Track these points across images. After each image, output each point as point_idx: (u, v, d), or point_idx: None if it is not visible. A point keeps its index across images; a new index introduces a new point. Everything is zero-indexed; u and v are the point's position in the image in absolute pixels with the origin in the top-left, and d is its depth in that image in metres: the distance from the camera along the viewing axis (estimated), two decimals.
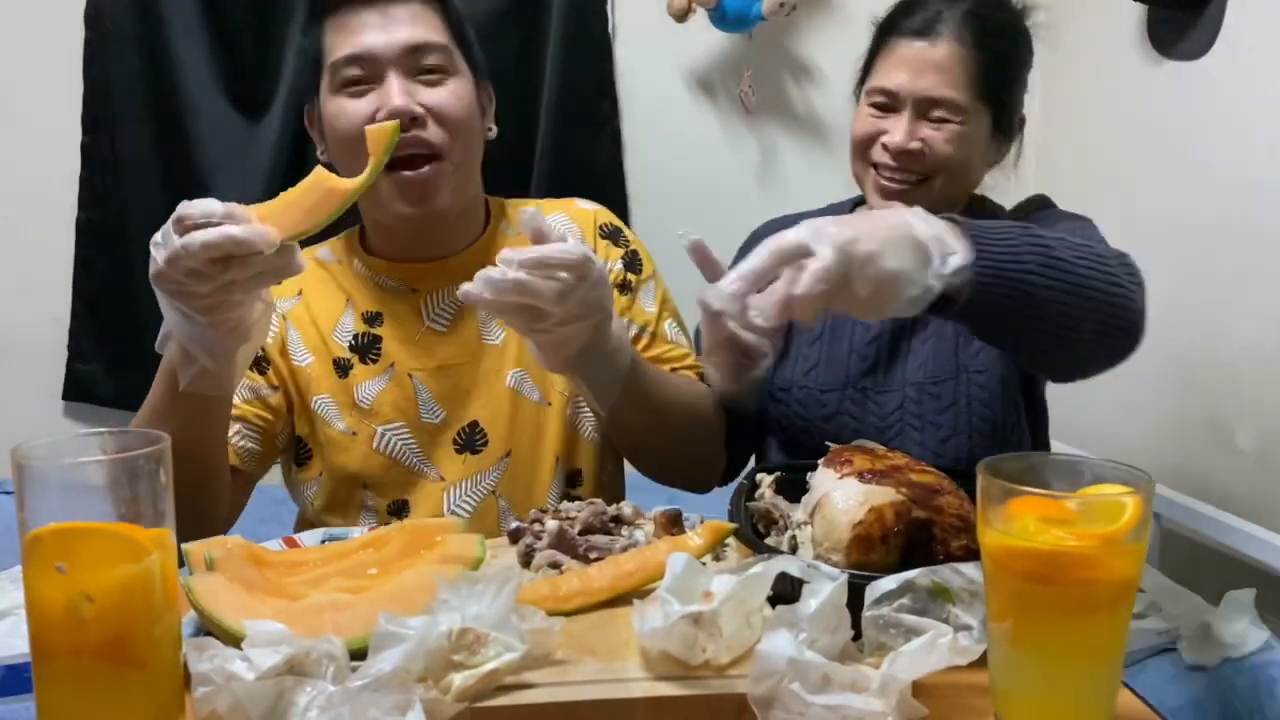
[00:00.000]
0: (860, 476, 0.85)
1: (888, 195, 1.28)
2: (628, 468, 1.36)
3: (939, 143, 1.25)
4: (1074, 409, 2.25)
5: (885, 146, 1.27)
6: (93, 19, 2.17)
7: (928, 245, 0.86)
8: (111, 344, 2.22)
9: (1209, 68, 1.84)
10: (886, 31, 1.31)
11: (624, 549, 0.94)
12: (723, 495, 1.39)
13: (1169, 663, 1.35)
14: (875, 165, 1.29)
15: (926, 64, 1.25)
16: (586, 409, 1.29)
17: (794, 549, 0.88)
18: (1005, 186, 1.39)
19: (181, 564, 0.78)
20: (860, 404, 1.30)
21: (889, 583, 0.74)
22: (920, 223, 0.87)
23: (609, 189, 2.31)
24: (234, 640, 0.72)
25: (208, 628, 0.79)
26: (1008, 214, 1.31)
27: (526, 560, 0.95)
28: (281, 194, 0.98)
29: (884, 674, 0.68)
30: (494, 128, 1.32)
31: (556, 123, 2.25)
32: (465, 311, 1.28)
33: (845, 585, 0.72)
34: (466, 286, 0.97)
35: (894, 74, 1.27)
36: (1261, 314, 1.74)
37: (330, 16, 1.22)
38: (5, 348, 2.26)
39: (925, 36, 1.26)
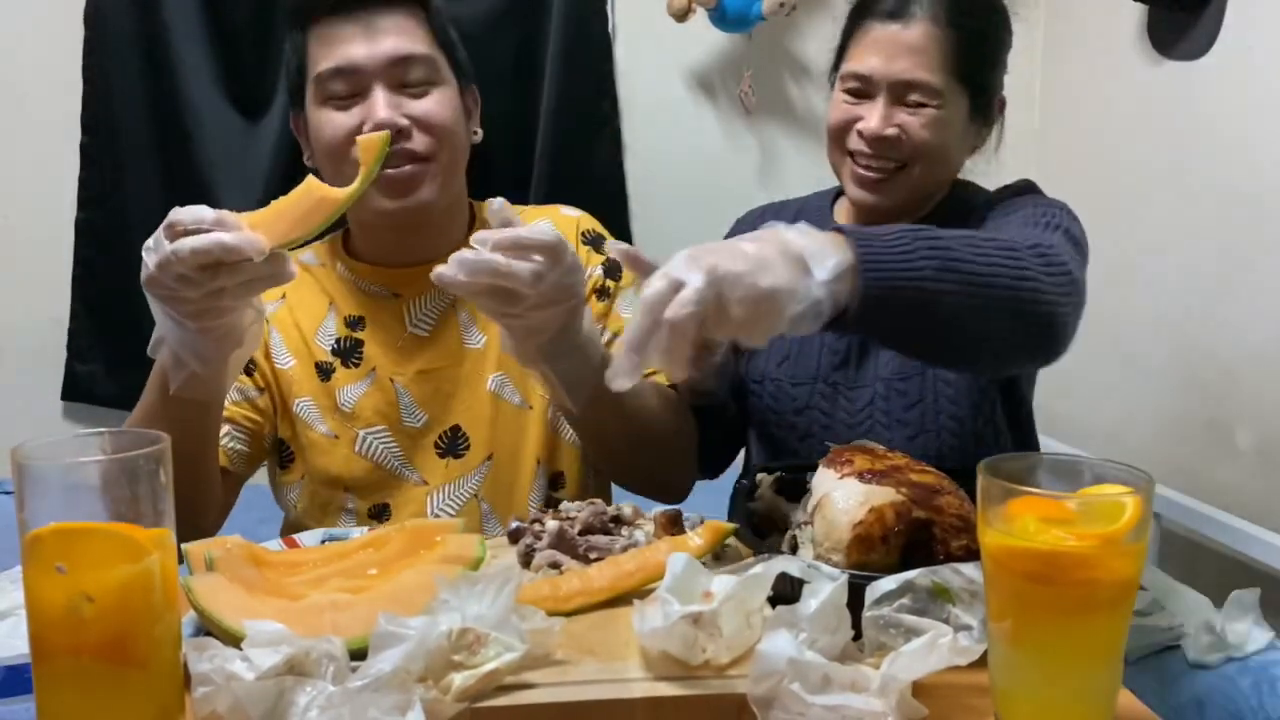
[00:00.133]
0: (860, 476, 0.85)
1: (865, 185, 1.26)
2: None
3: (915, 128, 1.22)
4: (1074, 409, 2.26)
5: (861, 134, 1.24)
6: (93, 19, 2.17)
7: (806, 258, 0.84)
8: (111, 344, 2.22)
9: (1209, 68, 1.84)
10: (859, 14, 1.27)
11: (624, 549, 0.94)
12: (723, 495, 1.40)
13: (1172, 661, 1.35)
14: (852, 154, 1.26)
15: (900, 46, 1.21)
16: None
17: (794, 549, 0.88)
18: (986, 171, 1.36)
19: (180, 561, 0.78)
20: (831, 399, 1.28)
21: (889, 583, 0.74)
22: (798, 236, 0.85)
23: (609, 189, 2.31)
24: (234, 640, 0.72)
25: (208, 628, 0.79)
26: (991, 197, 1.28)
27: (526, 560, 0.95)
28: (273, 202, 0.98)
29: (884, 674, 0.68)
30: (479, 131, 1.32)
31: (556, 123, 2.24)
32: (447, 316, 1.28)
33: (845, 585, 0.72)
34: (440, 269, 0.97)
35: (867, 58, 1.23)
36: (1261, 314, 1.74)
37: (313, 27, 1.22)
38: (5, 348, 2.25)
39: (898, 18, 1.22)
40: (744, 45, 2.29)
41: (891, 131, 1.22)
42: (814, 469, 0.92)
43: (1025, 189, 1.28)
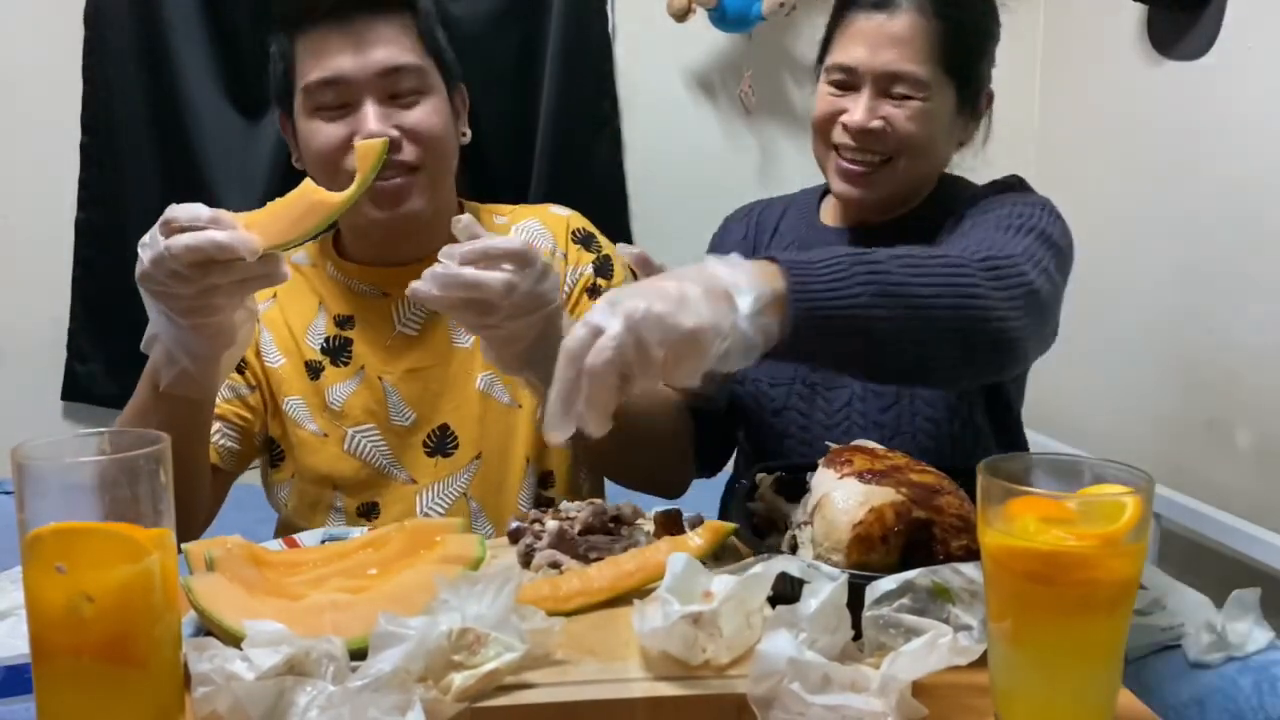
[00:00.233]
0: (860, 476, 0.85)
1: (849, 179, 1.24)
2: None
3: (901, 121, 1.20)
4: (1074, 409, 2.26)
5: (845, 126, 1.22)
6: (93, 19, 2.17)
7: (731, 293, 0.83)
8: (111, 344, 2.22)
9: (1209, 68, 1.84)
10: (844, 4, 1.25)
11: (624, 549, 0.94)
12: (715, 493, 1.40)
13: (1172, 660, 1.35)
14: (836, 147, 1.24)
15: (885, 37, 1.19)
16: None
17: (794, 549, 0.88)
18: (985, 170, 1.35)
19: (195, 532, 0.78)
20: (809, 400, 1.27)
21: (889, 583, 0.74)
22: (725, 270, 0.84)
23: (609, 189, 2.31)
24: (234, 640, 0.72)
25: (208, 628, 0.79)
26: (977, 192, 1.26)
27: (526, 560, 0.95)
28: (270, 203, 0.99)
29: (884, 674, 0.68)
30: (468, 132, 1.31)
31: (556, 123, 2.25)
32: (436, 316, 1.29)
33: (845, 585, 0.71)
34: (414, 284, 0.98)
35: (852, 49, 1.21)
36: (1261, 314, 1.74)
37: (300, 34, 1.21)
38: (5, 347, 2.25)
39: (884, 8, 1.20)
40: (744, 45, 2.29)
41: (876, 124, 1.20)
42: (814, 469, 0.92)
43: (1010, 185, 1.26)
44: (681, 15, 2.17)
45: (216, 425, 1.23)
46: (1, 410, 2.20)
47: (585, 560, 0.93)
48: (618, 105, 2.31)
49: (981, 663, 0.69)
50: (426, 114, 1.22)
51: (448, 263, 0.97)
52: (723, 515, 1.24)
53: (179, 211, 0.96)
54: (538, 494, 1.29)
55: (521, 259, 0.98)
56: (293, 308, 1.29)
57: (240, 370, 1.26)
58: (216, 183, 2.22)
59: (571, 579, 0.87)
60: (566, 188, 2.25)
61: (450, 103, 1.27)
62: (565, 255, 1.33)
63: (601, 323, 0.79)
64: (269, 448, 1.31)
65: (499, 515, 1.26)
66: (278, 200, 0.98)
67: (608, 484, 1.39)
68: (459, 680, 0.69)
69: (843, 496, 0.83)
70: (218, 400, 1.21)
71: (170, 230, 0.95)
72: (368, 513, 1.27)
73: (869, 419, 1.23)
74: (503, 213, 1.38)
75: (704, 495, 1.39)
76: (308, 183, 1.00)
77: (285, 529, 1.31)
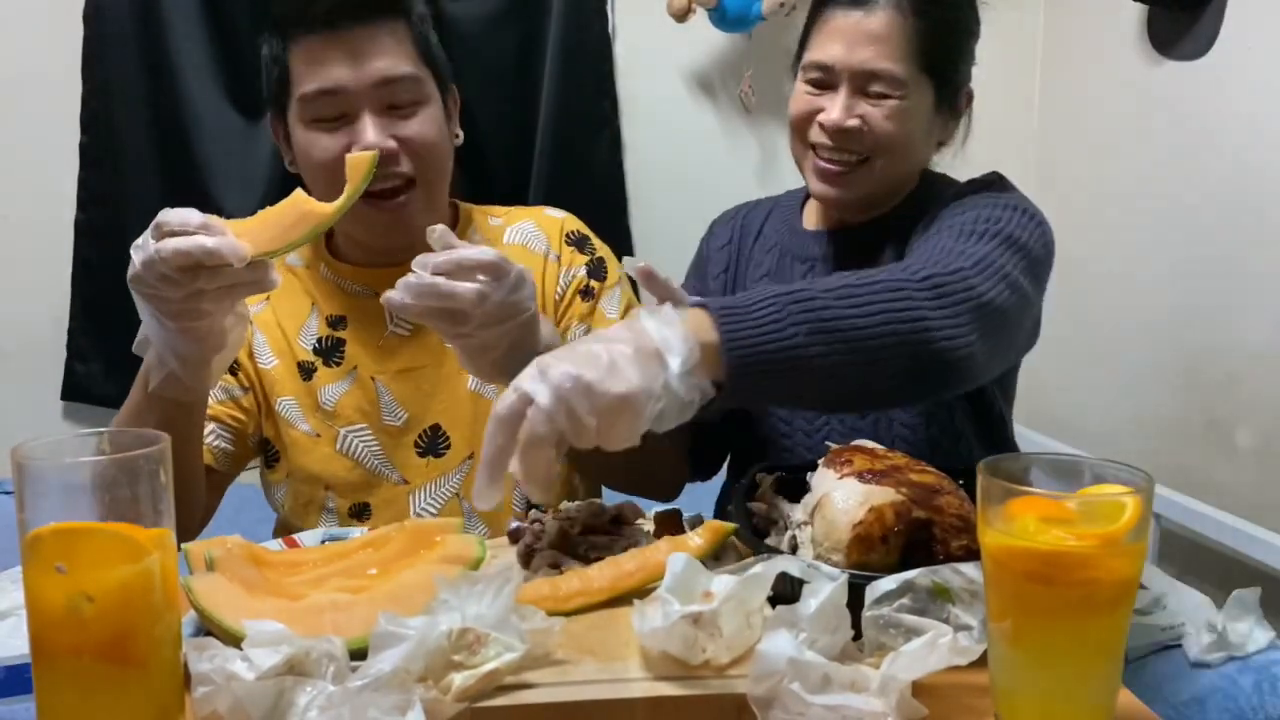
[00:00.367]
0: (860, 476, 0.85)
1: (826, 178, 1.23)
2: None
3: (878, 119, 1.19)
4: (1073, 409, 2.26)
5: (822, 125, 1.21)
6: (92, 19, 2.17)
7: (663, 353, 0.83)
8: (110, 344, 2.22)
9: (1209, 68, 1.85)
10: (822, 2, 1.24)
11: (624, 549, 0.94)
12: (710, 494, 1.40)
13: (1172, 660, 1.35)
14: (814, 146, 1.23)
15: (862, 35, 1.18)
16: None
17: (794, 549, 0.88)
18: (972, 165, 1.33)
19: (191, 534, 0.78)
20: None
21: (889, 583, 0.74)
22: (657, 327, 0.84)
23: (609, 189, 2.31)
24: (234, 640, 0.72)
25: (208, 628, 0.79)
26: (957, 190, 1.24)
27: (526, 560, 0.95)
28: (261, 211, 1.00)
29: (884, 674, 0.68)
30: (460, 134, 1.31)
31: (556, 123, 2.25)
32: None
33: (845, 585, 0.71)
34: (388, 293, 0.98)
35: (828, 47, 1.20)
36: (1261, 314, 1.74)
37: (295, 40, 1.20)
38: (4, 348, 2.26)
39: (861, 5, 1.18)
40: (744, 45, 2.29)
41: (853, 123, 1.19)
42: (814, 469, 0.92)
43: (989, 183, 1.24)
44: (681, 15, 2.17)
45: (210, 427, 1.24)
46: (1, 410, 2.20)
47: (585, 560, 0.93)
48: (618, 105, 2.31)
49: (981, 663, 0.69)
50: (424, 125, 1.22)
51: (421, 272, 0.98)
52: (721, 515, 1.24)
53: (170, 216, 0.97)
54: (562, 473, 1.29)
55: (495, 269, 0.98)
56: (285, 309, 1.30)
57: (233, 372, 1.27)
58: (216, 183, 2.22)
59: (571, 579, 0.87)
60: (566, 188, 2.25)
61: (444, 107, 1.27)
62: (559, 257, 1.33)
63: (531, 391, 0.80)
64: (264, 449, 1.31)
65: (492, 516, 1.27)
66: (269, 209, 0.99)
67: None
68: (459, 680, 0.69)
69: (843, 496, 0.83)
70: (211, 402, 1.22)
71: (161, 234, 0.96)
72: (359, 513, 1.27)
73: (848, 424, 1.23)
74: (497, 214, 1.38)
75: (701, 495, 1.39)
76: (298, 193, 1.01)
77: (283, 529, 1.31)
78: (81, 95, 2.19)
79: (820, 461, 0.91)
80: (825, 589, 0.71)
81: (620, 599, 0.85)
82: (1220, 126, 1.82)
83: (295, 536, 1.04)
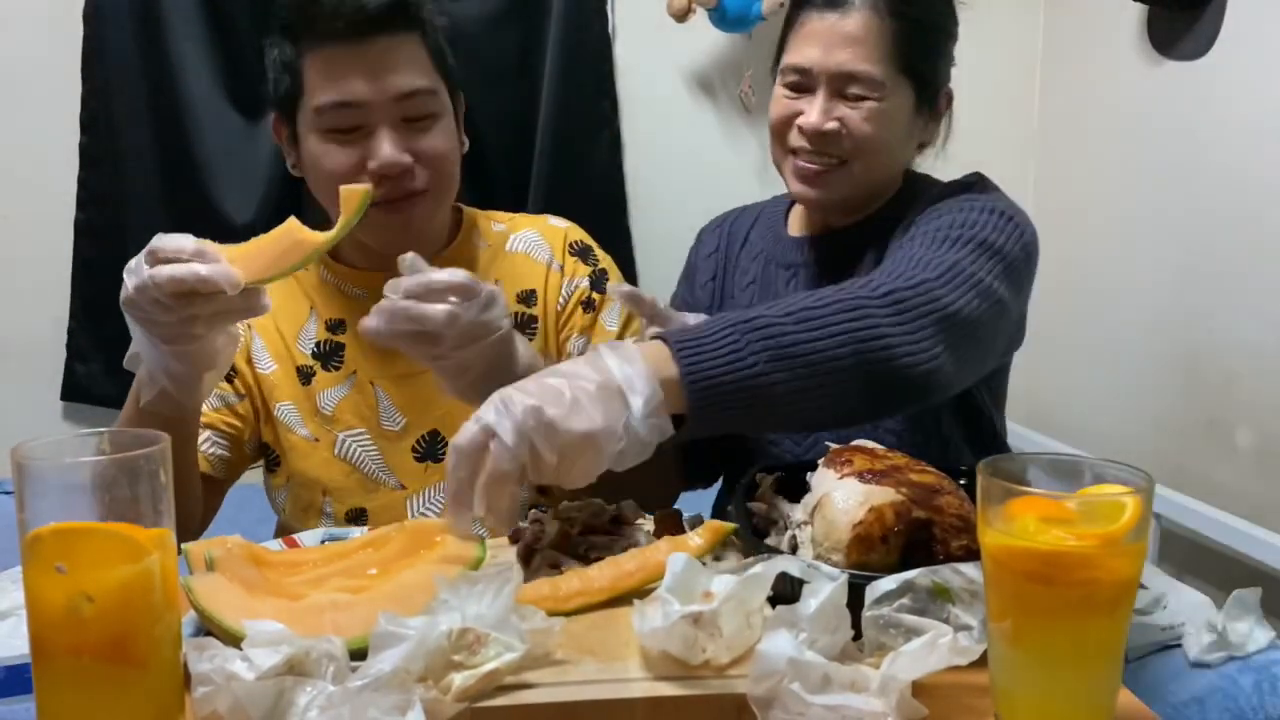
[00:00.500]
0: (860, 476, 0.85)
1: (805, 179, 1.22)
2: None
3: (856, 122, 1.18)
4: (1073, 409, 2.26)
5: (801, 129, 1.20)
6: (92, 19, 2.17)
7: (625, 391, 0.84)
8: (110, 344, 2.22)
9: (1209, 68, 1.85)
10: (798, 5, 1.23)
11: (624, 549, 0.94)
12: (707, 496, 1.39)
13: (1172, 660, 1.35)
14: (794, 150, 1.23)
15: (839, 37, 1.17)
16: None
17: (794, 549, 0.88)
18: (932, 167, 1.33)
19: (187, 539, 0.78)
20: None
21: (889, 583, 0.74)
22: (618, 365, 0.85)
23: (608, 189, 2.31)
24: (234, 640, 0.72)
25: (208, 628, 0.79)
26: (936, 193, 1.22)
27: (526, 560, 0.95)
28: (254, 238, 1.01)
29: (884, 674, 0.68)
30: (466, 140, 1.30)
31: (556, 123, 2.25)
32: None
33: (845, 585, 0.71)
34: (364, 322, 0.99)
35: (806, 49, 1.20)
36: (1261, 314, 1.74)
37: (309, 47, 1.18)
38: (4, 348, 2.26)
39: (837, 7, 1.18)
40: (744, 45, 2.29)
41: (831, 125, 1.18)
42: (814, 469, 0.92)
43: (969, 185, 1.23)
44: (681, 15, 2.17)
45: (206, 434, 1.24)
46: (1, 410, 2.20)
47: (585, 560, 0.93)
48: (618, 105, 2.31)
49: (981, 663, 0.69)
50: (439, 139, 1.22)
51: (393, 296, 0.99)
52: (721, 515, 1.24)
53: (165, 242, 0.97)
54: (530, 498, 1.29)
55: (464, 290, 0.99)
56: (284, 312, 1.29)
57: (229, 379, 1.27)
58: (216, 183, 2.22)
59: (571, 579, 0.87)
60: (566, 188, 2.25)
61: (456, 121, 1.26)
62: (562, 267, 1.33)
63: (494, 425, 0.81)
64: (265, 453, 1.31)
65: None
66: (262, 236, 1.01)
67: None
68: (459, 680, 0.69)
69: (843, 496, 0.83)
70: (206, 409, 1.23)
71: (155, 260, 0.96)
72: (356, 518, 1.27)
73: (834, 431, 1.22)
74: (500, 220, 1.38)
75: (700, 495, 1.39)
76: (292, 221, 1.01)
77: (283, 532, 1.31)
78: (81, 95, 2.19)
79: (820, 461, 0.91)
80: (825, 589, 0.71)
81: (620, 599, 0.85)
82: (1220, 127, 1.82)
83: (295, 536, 1.05)
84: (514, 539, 0.99)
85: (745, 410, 0.89)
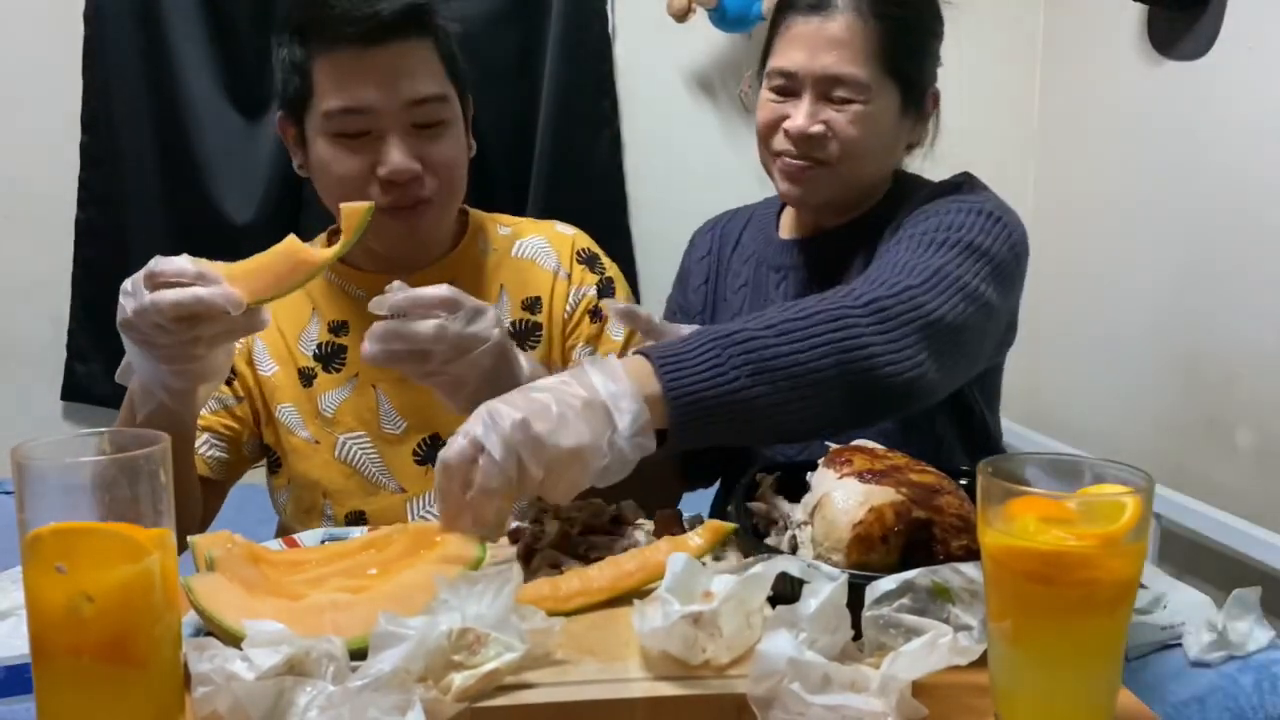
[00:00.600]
0: (860, 476, 0.85)
1: (790, 177, 1.22)
2: None
3: (843, 125, 1.18)
4: (1074, 409, 2.26)
5: (787, 132, 1.20)
6: (93, 19, 2.17)
7: (610, 408, 0.85)
8: (111, 344, 2.19)
9: (1209, 68, 1.85)
10: (782, 9, 1.24)
11: (624, 549, 0.94)
12: (706, 496, 1.39)
13: (1172, 659, 1.35)
14: (780, 153, 1.23)
15: (823, 40, 1.17)
16: None
17: (794, 549, 0.88)
18: (925, 168, 1.33)
19: (183, 549, 0.78)
20: None
21: (889, 583, 0.74)
22: (603, 382, 0.86)
23: (608, 189, 2.31)
24: (234, 640, 0.72)
25: (208, 628, 0.79)
26: (926, 193, 1.22)
27: (526, 560, 0.95)
28: (255, 256, 1.01)
29: (884, 674, 0.68)
30: (474, 145, 1.30)
31: (556, 123, 2.25)
32: None
33: (845, 585, 0.71)
34: (364, 349, 0.99)
35: (790, 53, 1.20)
36: (1261, 314, 1.74)
37: (319, 50, 1.17)
38: (5, 348, 2.26)
39: (820, 11, 1.18)
40: (744, 45, 2.29)
41: (817, 129, 1.18)
42: (814, 469, 0.92)
43: (957, 185, 1.23)
44: (681, 15, 2.17)
45: (204, 437, 1.25)
46: (1, 410, 2.20)
47: (585, 560, 0.93)
48: (618, 105, 2.31)
49: (981, 663, 0.69)
50: (448, 147, 1.21)
51: (377, 311, 0.99)
52: (721, 515, 1.24)
53: (165, 265, 0.97)
54: (532, 501, 1.29)
55: (450, 304, 1.00)
56: (285, 314, 1.29)
57: (228, 381, 1.26)
58: (216, 183, 2.22)
59: (571, 579, 0.87)
60: (566, 188, 2.25)
61: (465, 125, 1.26)
62: (569, 275, 1.33)
63: (482, 439, 0.82)
64: (267, 454, 1.31)
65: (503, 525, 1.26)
66: (263, 254, 1.01)
67: None
68: (459, 680, 0.68)
69: (843, 496, 0.83)
70: (204, 412, 1.23)
71: (155, 284, 0.96)
72: (356, 521, 1.27)
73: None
74: (506, 223, 1.38)
75: (700, 494, 1.39)
76: (292, 240, 1.01)
77: (284, 532, 1.31)
78: (82, 95, 2.19)
79: (820, 461, 0.91)
80: (825, 589, 0.71)
81: (620, 599, 0.85)
82: (1220, 126, 1.82)
83: (295, 536, 1.05)
84: (514, 539, 0.99)
85: (728, 424, 0.90)
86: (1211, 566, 1.76)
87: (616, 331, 1.32)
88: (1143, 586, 1.41)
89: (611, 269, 1.37)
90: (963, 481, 0.89)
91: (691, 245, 1.46)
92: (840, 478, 0.86)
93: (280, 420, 1.28)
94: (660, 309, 1.48)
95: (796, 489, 0.94)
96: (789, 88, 1.21)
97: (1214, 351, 1.85)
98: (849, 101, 1.18)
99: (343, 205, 1.03)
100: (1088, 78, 2.23)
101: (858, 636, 0.74)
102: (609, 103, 2.30)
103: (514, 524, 1.01)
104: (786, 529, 0.91)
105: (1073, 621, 0.65)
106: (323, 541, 1.03)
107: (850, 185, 1.23)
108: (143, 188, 2.21)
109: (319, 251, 1.00)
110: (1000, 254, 1.10)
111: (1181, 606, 1.42)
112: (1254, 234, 1.75)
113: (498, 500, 0.84)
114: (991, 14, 2.37)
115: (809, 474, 0.92)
